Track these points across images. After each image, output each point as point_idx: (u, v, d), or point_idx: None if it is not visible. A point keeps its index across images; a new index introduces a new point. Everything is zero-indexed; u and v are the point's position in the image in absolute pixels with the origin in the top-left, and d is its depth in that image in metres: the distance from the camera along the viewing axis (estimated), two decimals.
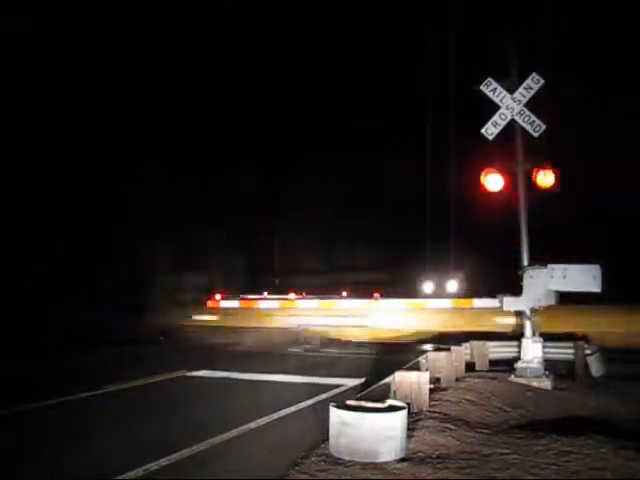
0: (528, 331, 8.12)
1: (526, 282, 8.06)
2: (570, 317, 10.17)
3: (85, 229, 16.30)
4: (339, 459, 4.59)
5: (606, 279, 7.59)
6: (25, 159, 15.48)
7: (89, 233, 16.27)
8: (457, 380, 7.72)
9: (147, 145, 17.69)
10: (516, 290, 8.18)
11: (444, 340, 9.76)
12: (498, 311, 9.35)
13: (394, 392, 6.01)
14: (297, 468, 4.53)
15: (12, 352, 11.09)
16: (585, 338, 8.83)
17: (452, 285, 14.91)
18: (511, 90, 8.26)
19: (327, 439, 4.86)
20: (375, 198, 23.55)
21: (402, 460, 4.56)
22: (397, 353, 10.68)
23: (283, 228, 22.53)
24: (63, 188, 16.17)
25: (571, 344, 8.66)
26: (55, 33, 14.62)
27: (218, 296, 13.48)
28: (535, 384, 7.78)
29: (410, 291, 15.00)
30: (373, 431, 4.57)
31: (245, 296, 14.15)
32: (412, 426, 5.29)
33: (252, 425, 6.08)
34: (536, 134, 8.14)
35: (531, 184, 8.33)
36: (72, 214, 15.90)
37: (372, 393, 5.58)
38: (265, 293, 13.99)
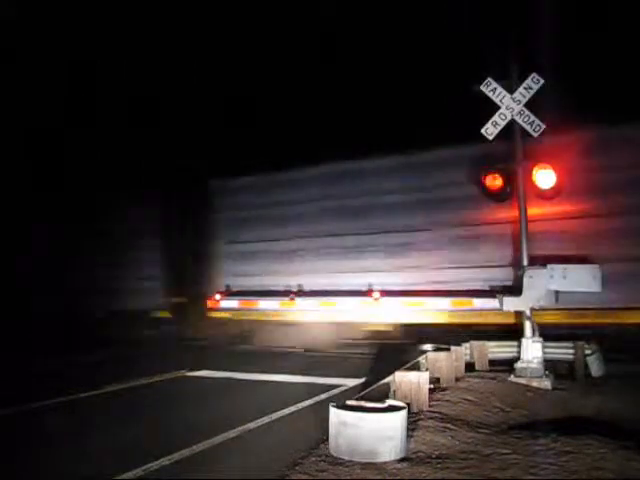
0: (528, 331, 8.12)
1: (526, 282, 8.07)
2: None
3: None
4: (339, 459, 4.59)
5: None
6: None
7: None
8: (457, 380, 7.72)
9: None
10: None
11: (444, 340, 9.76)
12: None
13: (394, 392, 6.01)
14: (297, 468, 4.53)
15: (10, 352, 11.09)
16: (585, 338, 8.82)
17: None
18: (511, 90, 8.26)
19: (327, 439, 4.86)
20: None
21: (402, 460, 4.56)
22: (397, 353, 10.67)
23: None
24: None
25: (571, 344, 8.66)
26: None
27: (218, 296, 13.44)
28: (535, 384, 7.78)
29: None
30: (373, 431, 4.57)
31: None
32: (412, 426, 5.29)
33: (252, 425, 6.08)
34: (536, 134, 8.14)
35: (531, 184, 8.35)
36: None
37: (372, 393, 5.58)
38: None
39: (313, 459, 4.68)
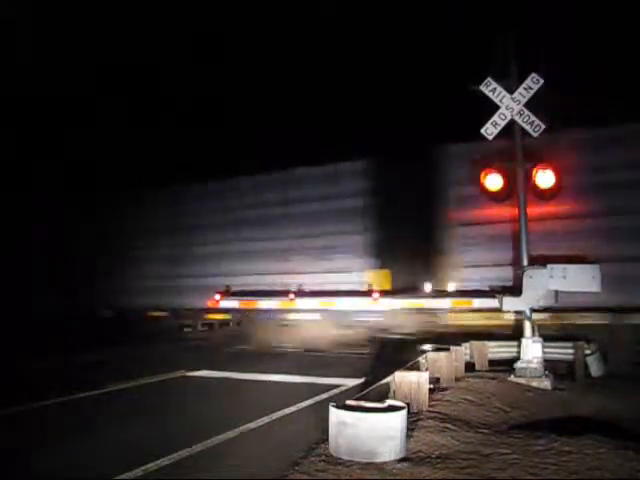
0: (528, 331, 8.12)
1: (525, 282, 8.06)
2: None
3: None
4: (339, 459, 4.58)
5: None
6: None
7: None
8: (457, 380, 7.72)
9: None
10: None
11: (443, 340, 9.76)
12: None
13: (394, 392, 6.01)
14: (297, 468, 4.52)
15: (10, 351, 11.09)
16: (585, 338, 8.82)
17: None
18: (511, 90, 8.26)
19: (327, 439, 4.86)
20: None
21: (402, 460, 4.56)
22: (397, 353, 10.68)
23: None
24: None
25: (571, 344, 8.66)
26: None
27: (217, 296, 13.43)
28: (535, 384, 7.78)
29: None
30: (373, 431, 4.57)
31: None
32: (412, 426, 5.29)
33: (252, 425, 6.08)
34: (536, 134, 8.13)
35: (531, 185, 8.34)
36: None
37: (371, 393, 5.57)
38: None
39: (313, 459, 4.68)
